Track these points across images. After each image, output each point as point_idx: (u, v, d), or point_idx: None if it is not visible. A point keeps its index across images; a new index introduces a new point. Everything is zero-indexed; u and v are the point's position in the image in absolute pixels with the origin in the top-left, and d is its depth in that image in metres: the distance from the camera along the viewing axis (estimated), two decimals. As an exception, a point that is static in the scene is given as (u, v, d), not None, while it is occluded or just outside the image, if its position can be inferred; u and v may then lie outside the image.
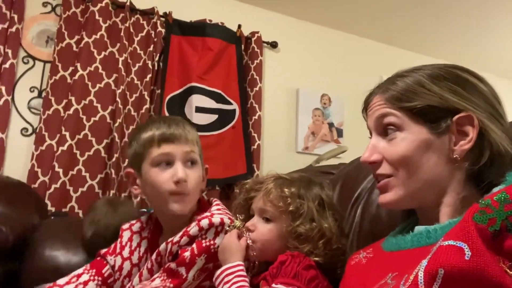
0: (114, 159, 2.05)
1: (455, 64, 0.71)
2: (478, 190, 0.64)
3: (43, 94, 2.07)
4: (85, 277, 1.00)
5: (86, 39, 2.12)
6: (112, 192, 2.02)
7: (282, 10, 2.77)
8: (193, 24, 2.45)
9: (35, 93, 2.10)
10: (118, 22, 2.24)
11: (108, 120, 2.11)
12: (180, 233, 0.93)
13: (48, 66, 2.12)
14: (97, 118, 2.09)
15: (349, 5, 2.69)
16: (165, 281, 0.89)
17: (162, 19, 2.37)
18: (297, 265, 0.79)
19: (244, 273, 0.82)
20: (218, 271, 0.83)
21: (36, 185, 1.93)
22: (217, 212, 0.96)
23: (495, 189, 0.54)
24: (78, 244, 1.45)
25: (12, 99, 2.03)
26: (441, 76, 0.67)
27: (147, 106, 2.23)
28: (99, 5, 2.17)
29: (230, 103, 2.46)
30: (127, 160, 1.05)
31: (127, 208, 1.45)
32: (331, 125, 2.82)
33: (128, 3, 2.27)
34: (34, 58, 2.12)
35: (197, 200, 1.02)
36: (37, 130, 2.01)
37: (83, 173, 2.01)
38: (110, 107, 2.12)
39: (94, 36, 2.14)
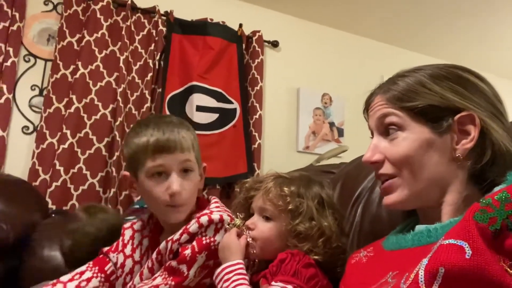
0: (115, 158, 2.05)
1: (456, 64, 0.71)
2: (479, 189, 0.64)
3: (44, 92, 2.07)
4: (88, 274, 1.01)
5: (87, 37, 2.12)
6: (113, 190, 2.02)
7: (283, 9, 2.77)
8: (194, 23, 2.45)
9: (36, 91, 2.10)
10: (119, 20, 2.24)
11: (109, 118, 2.11)
12: (180, 231, 0.93)
13: (49, 64, 2.12)
14: (98, 117, 2.09)
15: (350, 5, 2.69)
16: (167, 279, 0.89)
17: (163, 17, 2.37)
18: (296, 263, 0.79)
19: (244, 271, 0.82)
20: (218, 269, 0.84)
21: (37, 183, 1.93)
22: (216, 210, 0.96)
23: (496, 188, 0.54)
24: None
25: (13, 97, 2.03)
26: (442, 75, 0.68)
27: (148, 104, 2.23)
28: (101, 3, 2.17)
29: (231, 102, 2.46)
30: (127, 163, 1.05)
31: (106, 215, 1.40)
32: (332, 124, 2.82)
33: (129, 2, 2.27)
34: (35, 57, 2.13)
35: (195, 200, 1.02)
36: (38, 128, 2.01)
37: (84, 172, 2.02)
38: (111, 106, 2.12)
39: (95, 35, 2.14)
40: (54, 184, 1.93)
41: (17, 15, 2.04)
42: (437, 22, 2.81)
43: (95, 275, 1.00)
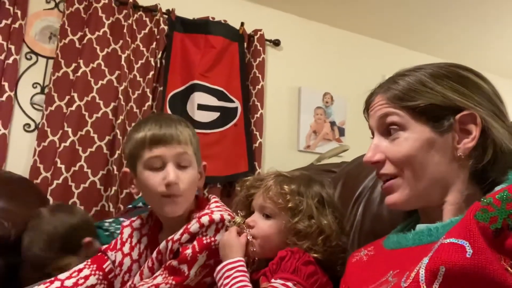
0: (116, 156, 2.05)
1: (456, 63, 0.71)
2: (480, 188, 0.64)
3: (46, 90, 2.08)
4: (86, 272, 1.01)
5: (89, 35, 2.12)
6: (114, 188, 2.02)
7: (285, 8, 2.77)
8: (196, 22, 2.45)
9: (38, 89, 2.11)
10: (121, 19, 2.24)
11: (111, 116, 2.11)
12: (181, 231, 0.93)
13: (51, 62, 2.12)
14: (99, 115, 2.10)
15: (352, 4, 2.69)
16: (167, 278, 0.89)
17: (165, 16, 2.36)
18: (296, 260, 0.79)
19: (245, 269, 0.83)
20: (219, 267, 0.84)
21: (38, 181, 1.93)
22: (217, 209, 0.96)
23: (497, 188, 0.54)
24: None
25: (15, 95, 2.04)
26: (443, 75, 0.67)
27: (149, 103, 2.23)
28: (102, 1, 2.17)
29: (232, 101, 2.46)
30: (127, 160, 1.06)
31: (69, 215, 1.38)
32: (333, 124, 2.82)
33: (131, 0, 2.27)
34: (37, 54, 2.13)
35: (194, 198, 1.02)
36: (40, 126, 2.02)
37: (85, 169, 2.02)
38: (112, 104, 2.13)
39: (97, 33, 2.15)
40: (55, 182, 1.93)
41: (19, 12, 2.04)
42: (439, 22, 2.80)
43: (93, 273, 1.01)
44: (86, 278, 0.99)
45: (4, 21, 2.01)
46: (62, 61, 2.09)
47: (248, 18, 2.60)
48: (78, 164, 2.01)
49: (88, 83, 2.09)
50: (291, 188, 0.88)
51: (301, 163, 1.94)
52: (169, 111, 2.24)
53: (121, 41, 2.20)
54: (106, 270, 1.02)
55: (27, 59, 2.10)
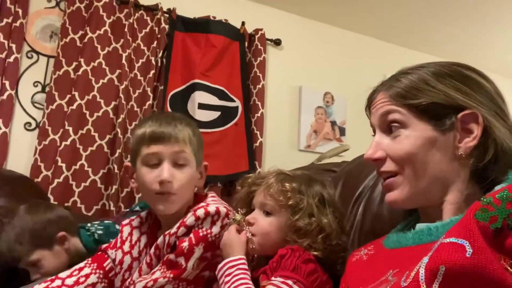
0: (116, 155, 2.06)
1: (459, 62, 0.71)
2: (481, 188, 0.64)
3: (47, 89, 2.08)
4: (86, 271, 1.01)
5: (90, 34, 2.12)
6: (114, 187, 2.02)
7: (286, 8, 2.77)
8: (197, 21, 2.45)
9: (39, 88, 2.11)
10: (122, 17, 2.24)
11: (111, 115, 2.12)
12: (177, 224, 0.94)
13: (51, 61, 2.12)
14: (100, 114, 2.10)
15: (352, 4, 2.68)
16: (165, 272, 0.90)
17: (166, 15, 2.37)
18: (296, 258, 0.79)
19: (246, 267, 0.83)
20: (220, 264, 0.85)
21: (39, 180, 1.93)
22: (213, 202, 0.97)
23: (497, 187, 0.54)
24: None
25: (16, 93, 2.04)
26: (445, 73, 0.67)
27: (150, 102, 2.23)
28: (103, 0, 2.18)
29: (233, 100, 2.46)
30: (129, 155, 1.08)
31: (46, 210, 1.39)
32: (333, 123, 2.82)
33: (132, -1, 2.27)
34: (38, 53, 2.13)
35: (192, 197, 1.03)
36: (41, 125, 2.02)
37: (86, 168, 2.02)
38: (113, 103, 2.13)
39: (98, 32, 2.15)
40: (56, 180, 1.93)
41: (20, 11, 2.05)
42: (439, 21, 2.80)
43: (93, 271, 1.01)
44: (87, 276, 1.00)
45: (5, 20, 2.01)
46: (63, 60, 2.09)
47: (249, 17, 2.60)
48: (78, 163, 2.01)
49: (89, 82, 2.09)
50: (292, 186, 0.88)
51: (301, 163, 1.93)
52: (169, 110, 2.24)
53: (122, 40, 2.20)
54: (107, 268, 1.03)
55: (28, 57, 2.10)
